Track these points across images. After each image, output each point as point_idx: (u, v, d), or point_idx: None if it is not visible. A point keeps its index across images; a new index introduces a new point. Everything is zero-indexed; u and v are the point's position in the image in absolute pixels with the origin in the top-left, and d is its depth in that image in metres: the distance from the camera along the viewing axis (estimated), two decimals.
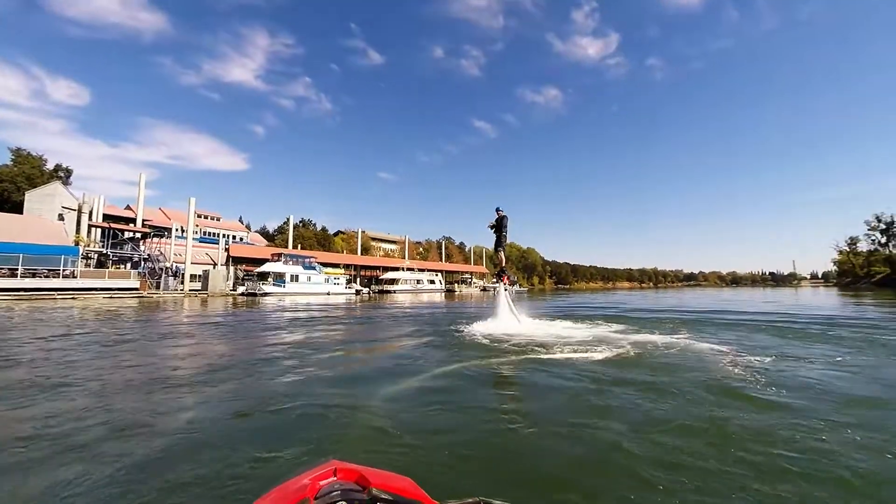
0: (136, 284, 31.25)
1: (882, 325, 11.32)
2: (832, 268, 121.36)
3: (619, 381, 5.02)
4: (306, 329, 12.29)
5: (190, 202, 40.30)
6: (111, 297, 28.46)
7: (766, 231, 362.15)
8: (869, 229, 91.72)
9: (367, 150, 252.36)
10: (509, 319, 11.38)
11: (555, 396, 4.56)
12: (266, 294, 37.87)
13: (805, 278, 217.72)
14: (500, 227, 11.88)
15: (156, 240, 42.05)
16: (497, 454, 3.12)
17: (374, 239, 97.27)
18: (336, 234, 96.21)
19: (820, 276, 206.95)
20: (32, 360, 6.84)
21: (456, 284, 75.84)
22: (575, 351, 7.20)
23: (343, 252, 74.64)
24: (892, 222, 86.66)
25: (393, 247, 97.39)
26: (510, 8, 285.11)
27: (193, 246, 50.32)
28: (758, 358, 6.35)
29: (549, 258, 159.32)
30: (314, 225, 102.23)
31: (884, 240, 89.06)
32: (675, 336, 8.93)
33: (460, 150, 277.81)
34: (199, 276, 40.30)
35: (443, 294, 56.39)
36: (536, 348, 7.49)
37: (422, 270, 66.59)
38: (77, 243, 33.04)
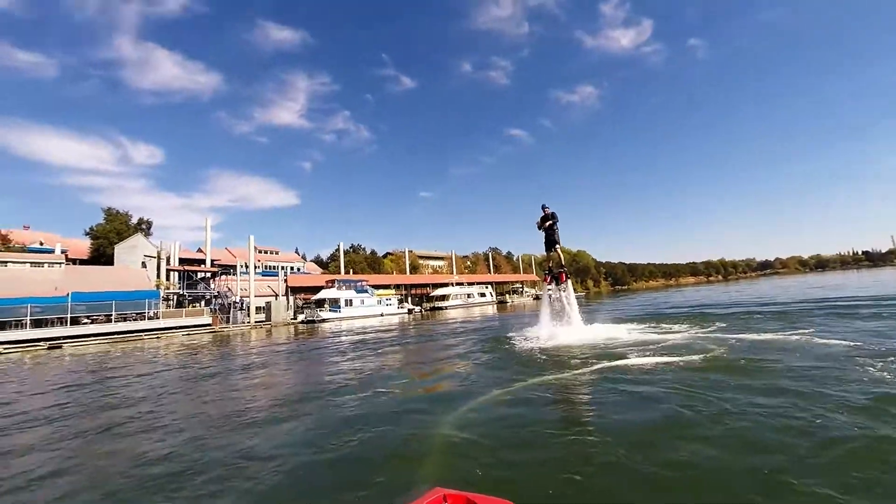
0: (209, 321, 33.67)
1: None
2: None
3: (734, 391, 4.22)
4: (367, 352, 12.29)
5: (249, 240, 43.22)
6: (189, 334, 30.84)
7: (854, 204, 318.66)
8: None
9: (407, 171, 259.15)
10: (573, 326, 10.54)
11: (649, 412, 3.94)
12: (324, 320, 39.24)
13: None
14: (549, 224, 11.24)
15: (223, 277, 45.37)
16: (593, 475, 2.79)
17: (421, 257, 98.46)
18: (385, 255, 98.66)
19: None
20: (135, 398, 7.31)
21: (507, 295, 74.31)
22: (664, 355, 6.37)
23: (393, 273, 76.20)
24: None
25: (441, 263, 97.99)
26: (534, 12, 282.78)
27: (256, 280, 53.66)
28: None
29: (601, 259, 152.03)
30: (364, 249, 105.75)
31: None
32: (788, 333, 7.61)
33: (497, 160, 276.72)
34: (263, 307, 42.71)
35: (494, 306, 55.35)
36: (610, 356, 6.75)
37: (471, 284, 66.02)
38: (158, 287, 36.44)
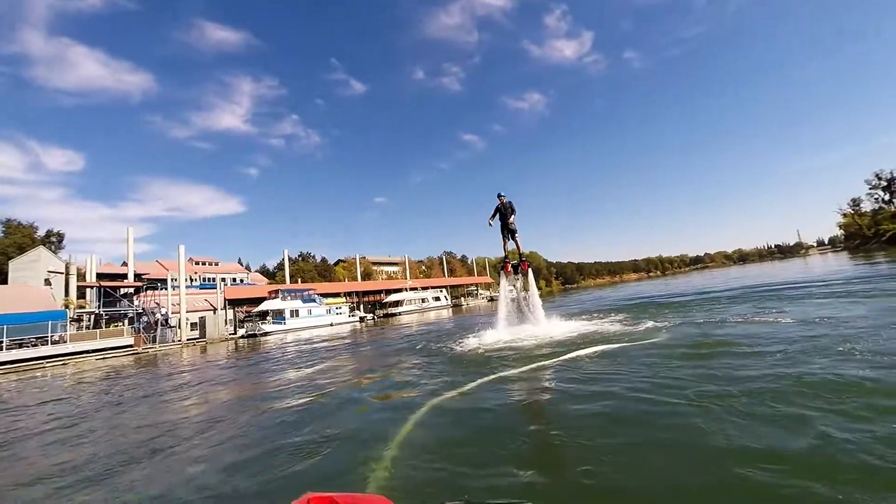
0: (131, 341, 29.83)
1: None
2: (838, 232, 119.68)
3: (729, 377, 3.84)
4: (311, 364, 11.26)
5: (179, 250, 39.26)
6: (104, 358, 27.06)
7: (765, 204, 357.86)
8: (870, 188, 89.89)
9: (361, 177, 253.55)
10: (536, 320, 10.00)
11: (617, 400, 3.56)
12: (266, 333, 36.43)
13: (812, 246, 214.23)
14: (503, 213, 10.59)
15: (150, 292, 40.86)
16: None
17: (375, 263, 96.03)
18: (336, 263, 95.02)
19: (826, 242, 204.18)
20: (30, 433, 5.89)
21: (462, 298, 74.18)
22: (627, 340, 6.02)
23: (345, 280, 73.36)
24: (893, 178, 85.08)
25: (395, 269, 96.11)
26: (482, 22, 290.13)
27: (192, 293, 48.98)
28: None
29: (552, 260, 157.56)
30: (313, 257, 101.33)
31: (887, 197, 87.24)
32: (757, 315, 7.81)
33: (452, 165, 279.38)
34: (198, 323, 38.95)
35: (450, 310, 54.85)
36: (571, 348, 6.40)
37: (425, 289, 65.08)
38: (66, 306, 31.84)
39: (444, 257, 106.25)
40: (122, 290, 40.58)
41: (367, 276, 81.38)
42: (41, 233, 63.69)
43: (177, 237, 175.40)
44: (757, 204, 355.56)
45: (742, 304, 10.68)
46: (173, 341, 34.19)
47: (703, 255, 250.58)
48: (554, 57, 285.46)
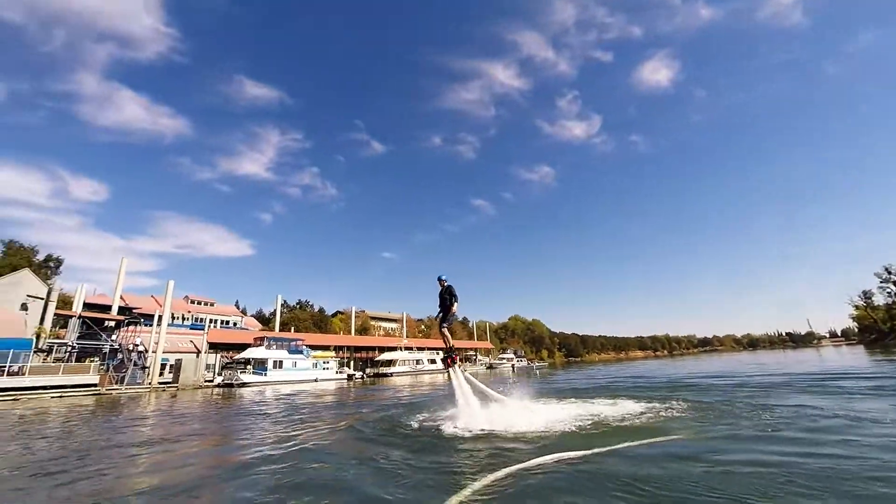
0: (96, 379, 27.31)
1: None
2: (851, 324, 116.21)
3: None
4: (280, 428, 9.29)
5: (168, 285, 37.81)
6: (62, 397, 24.52)
7: (776, 288, 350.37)
8: (881, 282, 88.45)
9: (371, 231, 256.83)
10: (478, 408, 8.38)
11: None
12: (244, 384, 33.51)
13: (824, 337, 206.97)
14: (442, 299, 9.32)
15: (132, 328, 38.83)
16: None
17: (374, 318, 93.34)
18: (334, 314, 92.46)
19: (839, 334, 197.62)
20: None
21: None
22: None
23: (340, 333, 70.53)
24: None
25: (394, 325, 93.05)
26: (500, 99, 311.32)
27: (178, 332, 46.78)
28: None
29: (555, 329, 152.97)
30: (312, 306, 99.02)
31: None
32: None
33: (461, 229, 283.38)
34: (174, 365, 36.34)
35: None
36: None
37: (421, 349, 61.92)
38: (38, 335, 29.84)
39: None
40: (106, 323, 38.62)
41: (363, 330, 78.53)
42: (41, 257, 63.38)
43: (184, 274, 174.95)
44: (768, 286, 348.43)
45: (793, 394, 9.00)
46: (143, 384, 31.47)
47: (711, 336, 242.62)
48: (564, 135, 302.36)
